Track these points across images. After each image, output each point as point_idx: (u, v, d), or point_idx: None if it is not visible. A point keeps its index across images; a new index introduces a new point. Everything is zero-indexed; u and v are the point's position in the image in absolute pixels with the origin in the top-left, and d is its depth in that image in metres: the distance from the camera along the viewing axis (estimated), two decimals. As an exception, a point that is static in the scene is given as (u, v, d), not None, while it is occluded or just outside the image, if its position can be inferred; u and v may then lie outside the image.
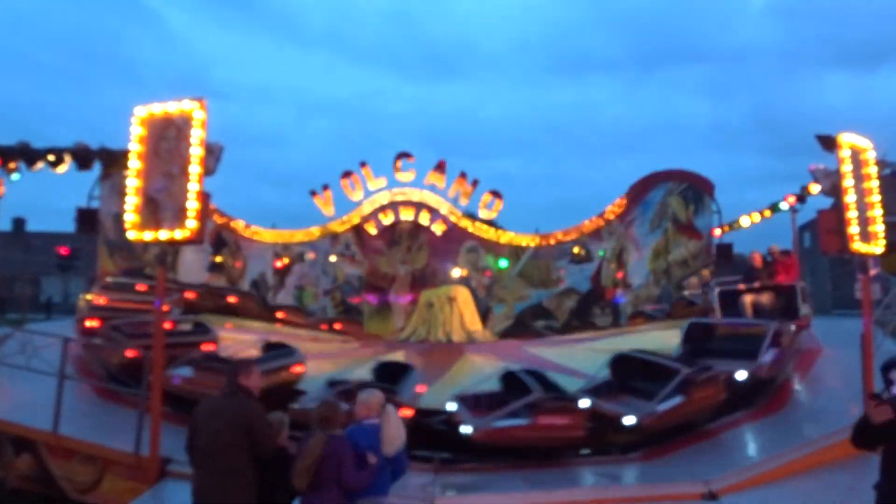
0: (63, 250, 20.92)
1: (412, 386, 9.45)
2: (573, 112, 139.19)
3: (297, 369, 9.84)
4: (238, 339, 12.64)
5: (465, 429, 7.87)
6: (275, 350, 10.57)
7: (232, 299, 16.29)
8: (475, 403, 8.43)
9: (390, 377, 9.46)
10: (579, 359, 11.79)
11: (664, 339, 11.77)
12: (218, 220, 19.28)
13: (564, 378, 9.71)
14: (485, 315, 19.92)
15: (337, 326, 18.69)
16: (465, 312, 18.27)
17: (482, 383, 9.53)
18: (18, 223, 38.93)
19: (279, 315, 17.62)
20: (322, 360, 12.11)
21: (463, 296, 18.67)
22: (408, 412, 7.76)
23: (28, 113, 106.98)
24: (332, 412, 4.78)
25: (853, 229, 7.77)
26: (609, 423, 8.15)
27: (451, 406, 8.41)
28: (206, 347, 10.54)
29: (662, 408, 8.12)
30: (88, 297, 13.33)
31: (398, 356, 13.02)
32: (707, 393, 8.50)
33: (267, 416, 4.91)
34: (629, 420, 7.95)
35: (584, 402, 8.20)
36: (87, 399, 9.10)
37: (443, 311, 18.15)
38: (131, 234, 7.07)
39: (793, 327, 10.82)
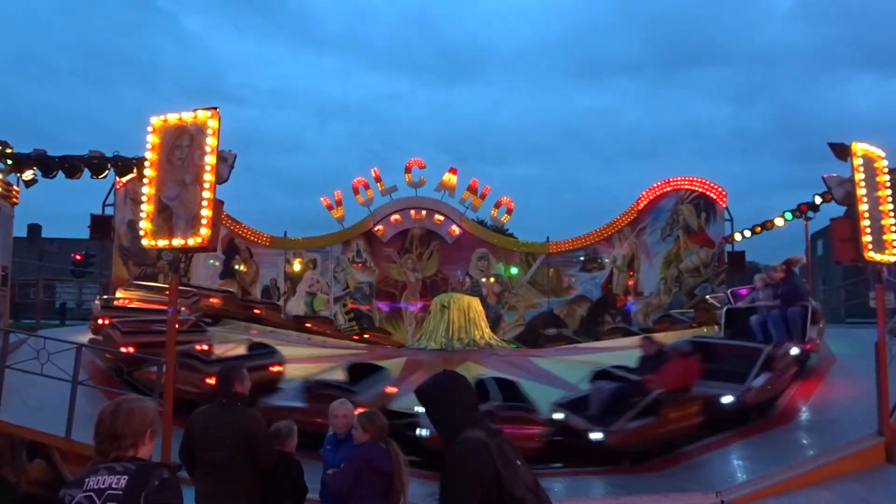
0: (78, 256, 21.09)
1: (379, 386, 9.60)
2: (591, 116, 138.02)
3: (276, 369, 10.24)
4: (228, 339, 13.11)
5: (596, 435, 7.97)
6: (258, 349, 10.98)
7: (257, 310, 16.88)
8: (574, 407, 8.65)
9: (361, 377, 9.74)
10: None
11: None
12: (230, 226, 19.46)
13: None
14: (496, 322, 19.90)
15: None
16: (477, 320, 18.08)
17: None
18: (34, 229, 39.39)
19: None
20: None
21: (474, 304, 18.52)
22: None
23: (45, 117, 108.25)
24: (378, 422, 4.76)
25: (867, 238, 7.70)
26: (576, 436, 8.22)
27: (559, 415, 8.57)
28: (201, 347, 10.83)
29: (757, 384, 8.63)
30: (119, 294, 14.20)
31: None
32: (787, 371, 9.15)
33: (275, 424, 4.90)
34: (596, 435, 7.99)
35: (558, 415, 8.37)
36: (100, 405, 9.13)
37: (457, 318, 17.85)
38: (145, 242, 7.13)
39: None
